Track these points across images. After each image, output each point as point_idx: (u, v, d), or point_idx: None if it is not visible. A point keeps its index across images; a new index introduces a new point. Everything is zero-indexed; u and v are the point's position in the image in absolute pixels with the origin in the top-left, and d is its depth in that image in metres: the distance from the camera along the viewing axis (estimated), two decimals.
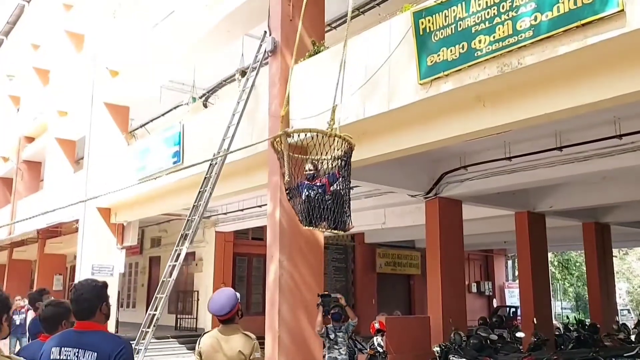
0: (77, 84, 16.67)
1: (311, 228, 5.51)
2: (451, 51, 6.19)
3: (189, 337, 16.46)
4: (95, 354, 2.76)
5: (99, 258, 14.69)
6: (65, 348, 2.83)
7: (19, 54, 22.96)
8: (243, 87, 9.63)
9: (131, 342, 3.33)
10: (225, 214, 16.42)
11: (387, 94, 6.97)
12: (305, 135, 5.63)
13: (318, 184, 5.62)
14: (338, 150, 5.53)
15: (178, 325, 17.70)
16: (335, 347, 7.34)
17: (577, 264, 33.44)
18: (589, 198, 11.81)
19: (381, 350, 8.46)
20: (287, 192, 5.60)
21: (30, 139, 21.57)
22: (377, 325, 8.80)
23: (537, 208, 12.61)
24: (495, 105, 6.27)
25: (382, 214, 15.48)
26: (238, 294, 4.14)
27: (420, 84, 6.50)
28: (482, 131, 6.56)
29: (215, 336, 4.07)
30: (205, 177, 8.94)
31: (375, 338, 8.59)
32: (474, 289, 24.90)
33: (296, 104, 8.59)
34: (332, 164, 5.65)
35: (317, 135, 5.41)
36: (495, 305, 24.40)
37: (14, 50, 23.83)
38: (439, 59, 6.30)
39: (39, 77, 20.97)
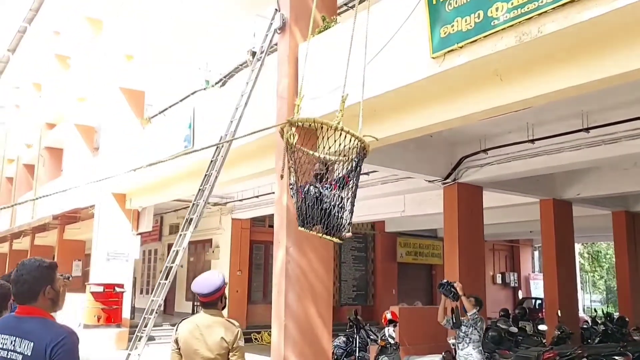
0: (94, 69, 16.59)
1: (304, 230, 5.02)
2: (466, 21, 5.71)
3: None
4: (32, 343, 2.47)
5: (114, 244, 14.60)
6: (2, 335, 2.55)
7: (41, 40, 23.04)
8: (252, 67, 9.28)
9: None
10: (241, 200, 16.16)
11: (398, 70, 6.54)
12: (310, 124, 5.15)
13: (327, 186, 5.13)
14: (347, 146, 5.08)
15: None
16: (459, 342, 6.62)
17: (608, 256, 32.42)
18: (619, 185, 11.14)
19: (392, 342, 8.07)
20: (289, 187, 5.20)
21: (52, 126, 21.66)
22: (389, 316, 8.43)
23: (563, 195, 11.99)
24: (513, 80, 5.78)
25: (402, 202, 15.03)
26: (226, 279, 3.82)
27: (433, 57, 6.04)
28: (499, 108, 6.08)
29: (195, 322, 3.76)
30: (211, 161, 8.63)
31: (386, 329, 8.22)
32: (499, 280, 24.29)
33: (306, 83, 8.21)
34: (344, 166, 5.17)
35: (322, 127, 5.00)
36: (520, 296, 23.75)
37: (37, 38, 23.94)
38: (453, 30, 5.83)
39: (59, 64, 21.00)
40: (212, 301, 3.73)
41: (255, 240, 17.39)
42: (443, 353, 7.68)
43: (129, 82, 15.12)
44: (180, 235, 8.39)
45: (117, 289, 14.04)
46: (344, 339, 9.81)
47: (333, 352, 9.71)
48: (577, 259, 30.76)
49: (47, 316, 2.60)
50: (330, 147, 5.13)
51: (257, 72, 9.00)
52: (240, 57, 13.97)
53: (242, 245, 17.14)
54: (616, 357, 9.25)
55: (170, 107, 16.33)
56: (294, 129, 5.15)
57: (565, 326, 10.20)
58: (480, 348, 6.39)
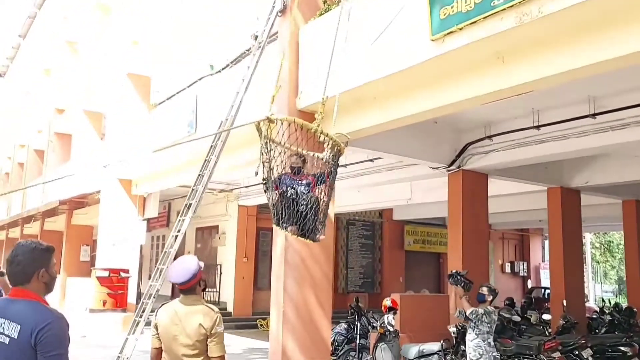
0: (102, 55, 16.57)
1: (278, 229, 4.96)
2: (465, 2, 5.55)
3: None
4: (19, 326, 2.41)
5: (120, 229, 14.65)
6: None
7: (50, 26, 23.07)
8: (254, 51, 9.16)
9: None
10: (247, 187, 16.12)
11: (397, 53, 6.39)
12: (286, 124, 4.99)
13: (304, 181, 5.08)
14: (327, 150, 4.98)
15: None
16: (469, 333, 6.37)
17: (620, 246, 32.01)
18: (629, 173, 10.89)
19: (391, 329, 7.99)
20: (263, 182, 5.03)
21: (62, 112, 21.72)
22: (388, 303, 8.32)
23: (571, 183, 11.77)
24: (515, 62, 5.62)
25: (408, 189, 14.90)
26: (202, 263, 3.75)
27: (433, 39, 5.90)
28: (501, 91, 5.92)
29: (174, 308, 3.70)
30: (211, 146, 8.55)
31: (386, 316, 8.12)
32: (508, 269, 24.11)
33: (306, 67, 8.10)
34: (324, 162, 5.06)
35: (302, 128, 4.90)
36: (529, 286, 23.56)
37: (47, 23, 23.98)
38: (453, 11, 5.68)
39: (69, 49, 21.00)
40: (189, 288, 3.62)
41: (262, 227, 17.36)
42: (441, 341, 7.59)
43: (135, 68, 15.09)
44: (179, 220, 8.33)
45: (123, 274, 14.11)
46: (345, 326, 9.74)
47: (334, 340, 9.66)
48: (589, 249, 30.46)
49: (39, 299, 2.53)
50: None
51: (258, 56, 8.87)
52: (246, 43, 13.89)
53: (248, 232, 17.13)
54: (622, 348, 9.12)
55: (177, 93, 16.36)
56: (273, 125, 4.92)
57: (570, 316, 10.05)
58: (490, 340, 6.24)
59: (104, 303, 13.75)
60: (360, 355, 9.00)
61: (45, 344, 2.37)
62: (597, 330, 11.93)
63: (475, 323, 6.30)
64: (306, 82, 8.10)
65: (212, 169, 8.34)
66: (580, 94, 7.96)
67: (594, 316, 13.24)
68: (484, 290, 6.58)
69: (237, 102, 8.64)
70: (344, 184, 13.53)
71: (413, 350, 7.76)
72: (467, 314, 6.33)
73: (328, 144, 5.01)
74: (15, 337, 2.39)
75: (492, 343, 6.34)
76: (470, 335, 6.40)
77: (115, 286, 13.85)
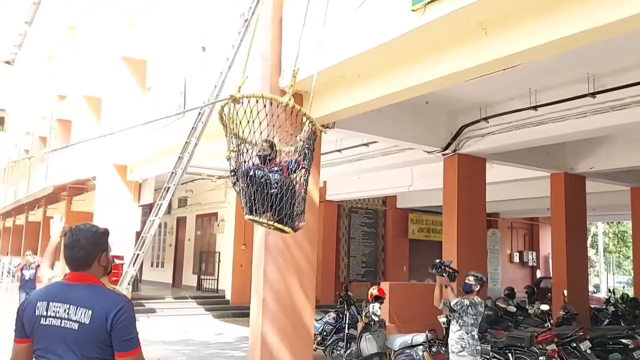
0: (98, 38, 16.33)
1: (253, 219, 4.45)
2: None
3: (208, 298, 16.20)
4: (91, 311, 2.35)
5: (115, 215, 14.42)
6: (54, 303, 2.40)
7: (54, 11, 22.88)
8: (239, 29, 8.80)
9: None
10: None
11: (378, 27, 6.02)
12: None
13: (274, 168, 4.59)
14: (304, 129, 4.58)
15: (200, 286, 17.45)
16: (452, 324, 5.97)
17: None
18: (637, 158, 10.39)
19: (376, 319, 7.65)
20: (231, 174, 4.58)
21: (63, 98, 21.59)
22: (375, 292, 7.98)
23: (575, 169, 11.28)
24: (499, 33, 5.22)
25: (409, 176, 14.49)
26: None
27: (413, 10, 5.51)
28: (485, 65, 5.52)
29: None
30: (192, 127, 8.23)
31: (371, 305, 7.77)
32: (516, 259, 23.61)
33: (289, 44, 7.73)
34: (295, 148, 4.69)
35: (271, 103, 4.48)
36: (538, 276, 23.08)
37: (50, 9, 23.79)
38: None
39: (70, 35, 20.80)
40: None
41: None
42: (427, 332, 7.23)
43: (130, 51, 14.81)
44: (157, 205, 8.04)
45: (117, 261, 13.84)
46: (334, 315, 9.44)
47: (322, 329, 9.37)
48: (601, 238, 29.77)
49: (101, 283, 2.51)
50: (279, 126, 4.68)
51: (243, 34, 8.51)
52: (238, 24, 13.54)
53: None
54: (623, 340, 8.68)
55: (168, 76, 16.09)
56: (238, 106, 4.45)
57: (570, 306, 9.62)
58: (474, 333, 5.84)
59: None
60: (348, 345, 8.68)
61: (122, 327, 2.37)
62: (602, 322, 11.50)
63: (459, 314, 5.91)
64: (290, 59, 7.73)
65: (192, 151, 8.02)
66: (579, 72, 7.50)
67: (601, 307, 12.80)
68: (471, 279, 6.16)
69: (219, 82, 8.31)
70: (339, 170, 13.19)
71: (398, 341, 7.41)
72: (451, 304, 5.93)
73: (304, 121, 4.64)
74: (87, 323, 2.35)
75: (476, 336, 5.94)
76: (453, 327, 6.02)
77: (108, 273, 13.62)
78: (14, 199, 26.14)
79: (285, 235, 7.74)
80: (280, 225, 4.38)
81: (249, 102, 4.50)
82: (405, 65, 6.27)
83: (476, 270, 6.45)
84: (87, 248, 2.52)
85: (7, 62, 35.32)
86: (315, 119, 7.86)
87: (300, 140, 4.69)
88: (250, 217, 4.47)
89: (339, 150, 11.94)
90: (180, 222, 20.12)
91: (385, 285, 8.66)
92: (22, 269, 12.50)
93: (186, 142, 8.25)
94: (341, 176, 15.63)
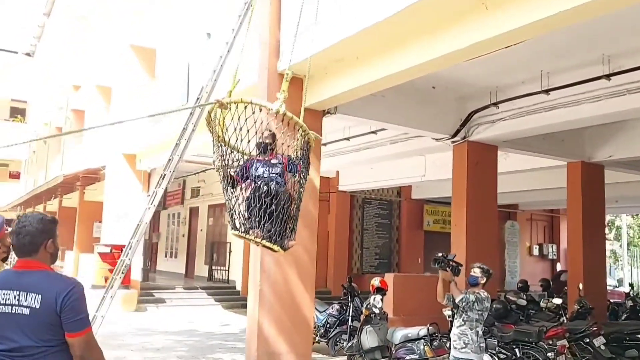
0: (108, 27, 16.23)
1: (238, 235, 4.19)
2: None
3: (219, 289, 16.09)
4: (40, 296, 2.44)
5: (124, 205, 14.37)
6: (4, 290, 2.48)
7: (68, 2, 22.90)
8: (239, 12, 8.54)
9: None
10: None
11: (373, 5, 5.69)
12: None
13: (274, 161, 4.32)
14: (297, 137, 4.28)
15: (211, 276, 17.34)
16: (456, 319, 5.67)
17: None
18: None
19: (377, 312, 7.36)
20: (222, 180, 4.28)
21: (78, 88, 21.63)
22: (377, 283, 7.69)
23: (593, 157, 10.77)
24: (500, 7, 4.85)
25: (422, 165, 14.12)
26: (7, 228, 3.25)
27: None
28: (486, 42, 5.16)
29: None
30: (190, 113, 8.02)
31: (372, 297, 7.50)
32: (536, 252, 23.04)
33: (288, 25, 7.44)
34: (296, 144, 4.34)
35: (260, 110, 4.15)
36: (558, 269, 22.49)
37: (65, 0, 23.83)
38: None
39: (83, 24, 20.79)
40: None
41: None
42: (428, 325, 6.92)
43: (140, 39, 14.69)
44: (153, 192, 7.85)
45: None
46: (338, 307, 9.19)
47: (326, 321, 9.13)
48: (625, 231, 28.93)
49: (49, 269, 2.58)
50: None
51: (242, 17, 8.24)
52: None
53: None
54: None
55: (174, 64, 15.94)
56: (225, 111, 4.17)
57: (586, 300, 9.20)
58: (478, 329, 5.51)
59: (106, 279, 13.48)
60: (351, 337, 8.43)
61: (71, 309, 2.45)
62: (620, 317, 11.03)
63: (463, 309, 5.59)
64: (288, 43, 7.43)
65: (189, 138, 7.81)
66: (593, 53, 7.08)
67: (622, 302, 12.31)
68: (477, 271, 5.80)
69: (218, 66, 8.07)
70: (349, 159, 12.89)
71: (399, 334, 7.13)
72: (456, 301, 5.59)
73: (295, 129, 4.29)
74: (38, 307, 2.42)
75: (481, 332, 5.61)
76: (456, 321, 5.69)
77: (117, 262, 13.56)
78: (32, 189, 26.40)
79: None
80: (268, 244, 4.09)
81: (236, 107, 4.22)
82: (404, 45, 5.95)
83: (488, 263, 6.12)
84: (33, 234, 2.56)
85: (28, 54, 35.66)
86: (315, 103, 7.70)
87: (294, 150, 4.39)
88: (236, 233, 4.21)
89: (347, 139, 11.63)
90: (193, 212, 20.04)
91: (389, 277, 8.38)
92: None
93: (183, 128, 8.05)
94: (353, 166, 15.35)
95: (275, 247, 4.08)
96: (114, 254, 13.67)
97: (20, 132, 31.80)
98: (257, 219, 4.08)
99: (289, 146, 4.48)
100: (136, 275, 14.36)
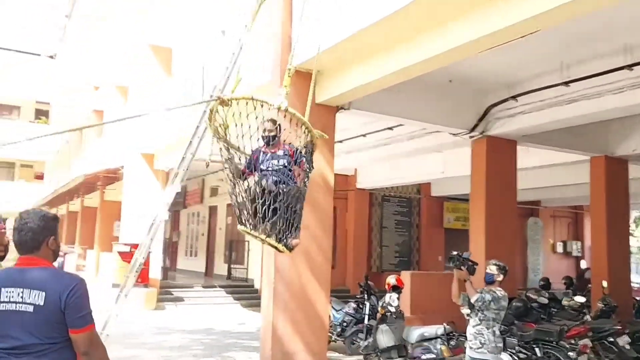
0: (126, 26, 16.32)
1: (245, 230, 4.09)
2: None
3: (237, 287, 16.08)
4: (44, 293, 2.43)
5: (143, 204, 14.43)
6: (7, 288, 2.46)
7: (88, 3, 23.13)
8: (253, 7, 8.47)
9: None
10: None
11: None
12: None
13: (280, 152, 4.19)
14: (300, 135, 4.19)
15: (230, 274, 17.35)
16: (471, 318, 5.51)
17: None
18: None
19: (393, 310, 7.23)
20: (228, 176, 4.20)
21: (97, 88, 21.84)
22: (392, 281, 7.55)
23: (617, 151, 10.46)
24: None
25: (441, 162, 13.91)
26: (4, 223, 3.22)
27: None
28: (497, 34, 5.00)
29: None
30: (204, 111, 7.96)
31: (388, 295, 7.36)
32: (560, 249, 22.59)
33: (300, 18, 7.32)
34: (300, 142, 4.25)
35: (262, 106, 4.05)
36: (583, 267, 22.01)
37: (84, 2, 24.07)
38: None
39: (103, 25, 20.97)
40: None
41: None
42: (444, 324, 6.77)
43: (156, 39, 14.74)
44: (169, 190, 7.82)
45: None
46: (355, 305, 9.07)
47: (342, 320, 9.02)
48: None
49: (51, 266, 2.59)
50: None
51: (256, 12, 8.17)
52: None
53: None
54: None
55: (186, 62, 15.95)
56: (227, 108, 4.11)
57: (610, 298, 8.94)
58: (495, 329, 5.34)
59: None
60: (367, 336, 8.30)
61: (75, 305, 2.45)
62: None
63: (479, 308, 5.43)
64: (300, 36, 7.33)
65: (202, 136, 7.76)
66: (614, 43, 6.85)
67: None
68: (493, 268, 5.62)
69: (230, 64, 8.00)
70: (366, 156, 12.77)
71: (415, 333, 6.98)
72: (471, 300, 5.42)
73: (299, 125, 4.17)
74: (41, 304, 2.42)
75: (498, 332, 5.43)
76: (472, 320, 5.53)
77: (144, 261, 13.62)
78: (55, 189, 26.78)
79: None
80: (273, 242, 3.99)
81: (237, 104, 4.12)
82: (416, 38, 5.81)
83: (507, 260, 5.94)
84: (35, 231, 2.55)
85: (51, 57, 36.22)
86: (329, 99, 7.58)
87: (297, 148, 4.27)
88: (243, 228, 4.12)
89: (363, 135, 11.50)
90: (213, 211, 20.08)
91: (405, 275, 8.24)
92: None
93: (197, 127, 8.01)
94: (371, 163, 15.20)
95: (280, 247, 3.96)
96: (133, 253, 13.75)
97: (44, 133, 32.27)
98: (261, 216, 3.99)
99: (296, 137, 4.38)
100: (155, 273, 14.42)
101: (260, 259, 16.04)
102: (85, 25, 23.84)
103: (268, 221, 3.92)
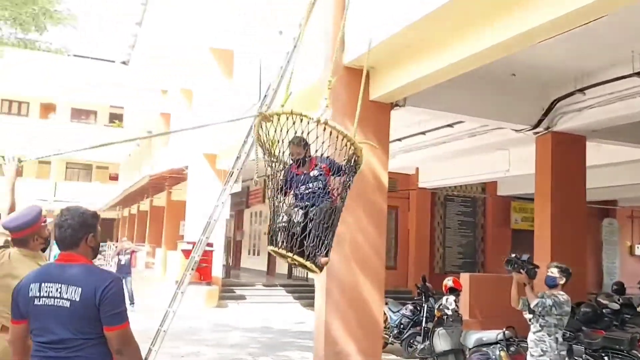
0: (191, 31, 16.76)
1: (274, 250, 3.96)
2: None
3: (298, 286, 16.13)
4: (80, 289, 2.48)
5: (206, 204, 14.73)
6: (46, 283, 2.53)
7: (157, 9, 23.96)
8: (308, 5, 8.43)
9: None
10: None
11: None
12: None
13: (314, 172, 4.02)
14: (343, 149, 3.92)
15: (291, 274, 17.45)
16: (532, 323, 5.25)
17: None
18: None
19: (450, 313, 6.97)
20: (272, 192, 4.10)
21: (165, 92, 22.59)
22: (450, 283, 7.29)
23: None
24: None
25: (506, 160, 13.37)
26: (50, 220, 3.30)
27: None
28: (558, 22, 4.68)
29: (10, 256, 3.29)
30: (254, 115, 7.99)
31: (445, 298, 7.11)
32: (639, 252, 21.24)
33: (354, 13, 7.19)
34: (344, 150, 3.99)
35: (301, 120, 3.86)
36: None
37: (154, 7, 24.95)
38: None
39: (170, 30, 21.66)
40: (20, 238, 3.30)
41: None
42: (504, 329, 6.44)
43: (217, 42, 15.04)
44: (222, 190, 7.90)
45: (207, 248, 14.16)
46: (412, 307, 8.84)
47: (399, 322, 8.82)
48: None
49: (90, 262, 2.64)
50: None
51: (310, 10, 8.12)
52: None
53: None
54: None
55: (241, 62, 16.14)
56: (269, 124, 3.99)
57: None
58: (558, 335, 5.04)
59: None
60: (425, 339, 8.07)
61: (109, 302, 2.48)
62: None
63: (540, 314, 5.13)
64: (353, 32, 7.22)
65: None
66: None
67: None
68: (554, 271, 5.30)
69: (285, 62, 7.99)
70: (426, 154, 12.45)
71: (472, 337, 6.68)
72: (531, 306, 5.13)
73: (341, 141, 3.88)
74: (77, 300, 2.46)
75: (561, 338, 5.12)
76: (533, 327, 5.23)
77: (200, 260, 13.93)
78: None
79: (350, 221, 7.34)
80: (301, 260, 3.83)
81: (278, 119, 3.94)
82: (473, 28, 5.56)
83: (576, 264, 5.58)
84: (75, 227, 2.60)
85: (124, 63, 37.88)
86: (383, 95, 7.41)
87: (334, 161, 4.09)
88: (272, 248, 3.97)
89: (422, 133, 11.21)
90: None
91: (464, 277, 7.93)
92: (118, 254, 13.11)
93: (250, 127, 8.04)
94: (433, 162, 14.84)
95: (308, 264, 3.81)
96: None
97: (118, 136, 33.84)
98: (289, 234, 3.87)
99: (339, 149, 4.17)
100: (217, 272, 14.70)
101: None
102: (154, 32, 24.74)
103: (297, 239, 3.79)
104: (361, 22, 6.90)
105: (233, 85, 14.12)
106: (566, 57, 7.54)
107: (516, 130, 8.99)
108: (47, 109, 35.61)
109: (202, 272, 14.19)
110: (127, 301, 12.61)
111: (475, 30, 5.56)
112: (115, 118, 37.76)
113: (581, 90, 7.91)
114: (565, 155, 8.83)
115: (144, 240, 23.78)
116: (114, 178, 36.96)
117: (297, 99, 8.22)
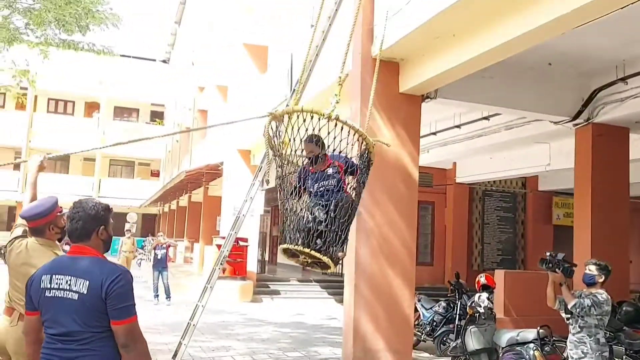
0: (227, 28, 16.88)
1: (289, 247, 3.82)
2: None
3: (332, 282, 16.04)
4: (88, 281, 2.47)
5: (240, 199, 14.81)
6: (57, 275, 2.54)
7: (194, 8, 24.30)
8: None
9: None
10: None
11: None
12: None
13: (329, 171, 3.95)
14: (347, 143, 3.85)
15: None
16: (571, 325, 5.04)
17: None
18: None
19: (482, 311, 6.75)
20: (282, 193, 3.99)
21: (202, 89, 22.83)
22: (483, 280, 7.06)
23: None
24: None
25: (546, 153, 12.94)
26: (65, 211, 3.35)
27: None
28: (591, 6, 4.43)
29: (27, 245, 3.40)
30: (287, 105, 7.94)
31: (477, 295, 6.89)
32: None
33: (382, 3, 7.05)
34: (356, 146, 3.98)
35: (312, 117, 3.79)
36: None
37: (192, 6, 25.31)
38: None
39: (207, 28, 21.90)
40: (36, 227, 3.38)
41: (421, 200, 16.24)
42: (538, 328, 6.19)
43: (251, 37, 15.08)
44: (251, 184, 7.89)
45: (241, 243, 14.28)
46: (445, 304, 8.63)
47: (432, 319, 8.64)
48: None
49: (100, 255, 2.63)
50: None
51: (338, 3, 8.01)
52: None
53: None
54: None
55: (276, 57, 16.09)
56: (280, 124, 3.93)
57: None
58: (599, 336, 4.80)
59: (223, 270, 14.01)
60: (458, 337, 7.86)
61: (116, 296, 2.45)
62: None
63: (579, 314, 4.90)
64: (382, 25, 7.08)
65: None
66: None
67: None
68: (592, 268, 5.05)
69: (313, 56, 7.89)
70: (463, 147, 12.17)
71: (505, 336, 6.45)
72: (569, 307, 4.89)
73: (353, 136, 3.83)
74: (85, 292, 2.45)
75: (602, 339, 4.86)
76: (573, 328, 4.99)
77: (233, 254, 14.02)
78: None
79: (378, 216, 7.22)
80: (318, 255, 3.72)
81: (289, 118, 3.88)
82: (505, 15, 5.34)
83: (618, 262, 5.30)
84: (86, 220, 2.59)
85: (164, 61, 38.59)
86: (413, 87, 7.23)
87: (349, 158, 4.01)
88: (285, 246, 3.85)
89: (457, 126, 10.96)
90: None
91: (499, 274, 7.69)
92: (154, 249, 13.32)
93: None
94: (470, 156, 14.52)
95: (324, 259, 3.70)
96: (231, 247, 14.17)
97: (159, 133, 34.46)
98: (305, 229, 3.78)
99: (351, 144, 4.08)
100: (252, 267, 14.77)
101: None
102: (192, 30, 25.08)
103: (313, 235, 3.71)
104: (389, 13, 6.75)
105: (267, 81, 14.12)
106: (607, 45, 7.21)
107: (555, 122, 8.66)
108: (92, 107, 36.55)
109: (237, 267, 14.30)
110: (164, 295, 12.86)
111: (504, 18, 5.36)
112: (156, 116, 38.48)
113: (623, 79, 7.55)
114: (606, 147, 8.47)
115: (183, 235, 24.16)
116: (156, 174, 37.69)
117: (325, 94, 8.16)
